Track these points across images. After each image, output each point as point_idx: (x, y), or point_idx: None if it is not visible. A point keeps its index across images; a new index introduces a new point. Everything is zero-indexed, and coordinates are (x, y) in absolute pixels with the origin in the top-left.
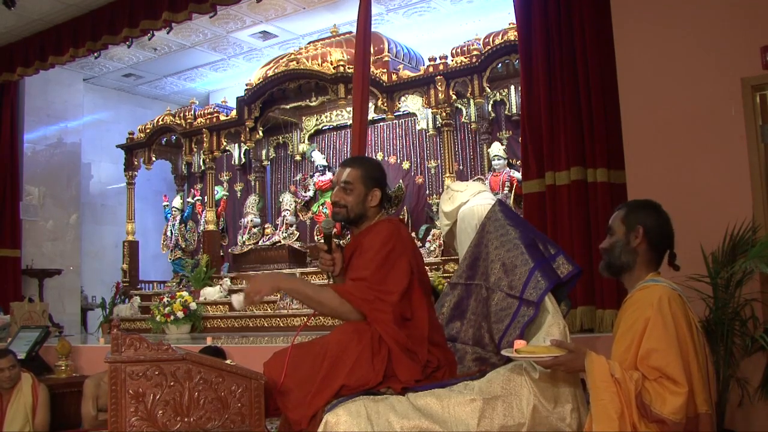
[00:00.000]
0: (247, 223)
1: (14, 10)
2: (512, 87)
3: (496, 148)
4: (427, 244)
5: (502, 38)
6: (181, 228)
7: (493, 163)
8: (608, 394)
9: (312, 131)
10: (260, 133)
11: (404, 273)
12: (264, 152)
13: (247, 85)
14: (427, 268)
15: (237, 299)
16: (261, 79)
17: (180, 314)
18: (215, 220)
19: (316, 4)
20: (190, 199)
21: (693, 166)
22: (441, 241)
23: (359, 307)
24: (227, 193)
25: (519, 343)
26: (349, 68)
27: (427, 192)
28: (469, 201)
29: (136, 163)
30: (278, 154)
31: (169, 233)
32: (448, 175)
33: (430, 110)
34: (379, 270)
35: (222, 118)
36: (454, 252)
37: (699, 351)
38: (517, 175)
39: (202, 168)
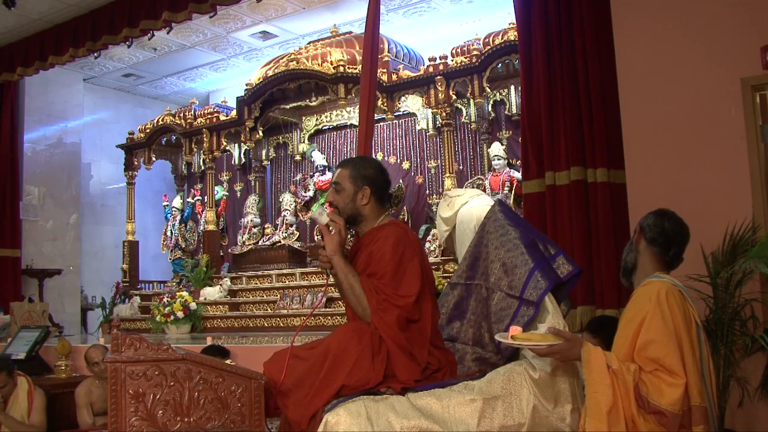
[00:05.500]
0: (247, 223)
1: (14, 10)
2: (512, 87)
3: (496, 148)
4: (427, 244)
5: (502, 38)
6: (181, 228)
7: (493, 163)
8: (602, 387)
9: (312, 131)
10: (260, 133)
11: (417, 276)
12: (264, 152)
13: (247, 85)
14: None
15: (320, 212)
16: (261, 79)
17: (180, 314)
18: (215, 220)
19: (316, 4)
20: (190, 199)
21: (693, 166)
22: (441, 242)
23: (368, 296)
24: (227, 193)
25: (515, 329)
26: (349, 68)
27: (427, 192)
28: (468, 202)
29: (136, 163)
30: (278, 154)
31: (169, 233)
32: (448, 175)
33: (430, 110)
34: (393, 277)
35: (222, 118)
36: (454, 256)
37: (695, 345)
38: (517, 175)
39: (202, 168)
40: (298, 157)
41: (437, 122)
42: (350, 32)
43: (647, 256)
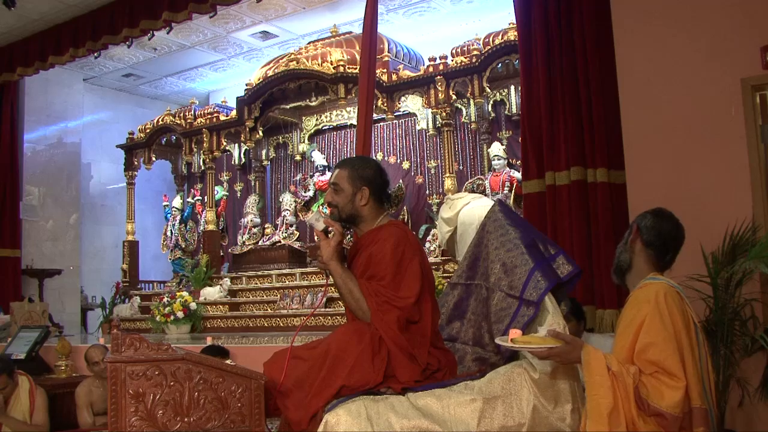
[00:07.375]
0: (247, 223)
1: (14, 10)
2: (512, 87)
3: (496, 148)
4: (427, 244)
5: (502, 38)
6: (181, 228)
7: (493, 163)
8: (603, 390)
9: (312, 131)
10: (260, 133)
11: (417, 277)
12: (264, 152)
13: (247, 85)
14: None
15: (316, 218)
16: (261, 79)
17: (180, 314)
18: (215, 220)
19: (316, 4)
20: (190, 199)
21: (693, 166)
22: (441, 243)
23: (367, 299)
24: (227, 193)
25: (514, 332)
26: (349, 68)
27: (427, 192)
28: (470, 203)
29: (136, 163)
30: (278, 154)
31: (169, 233)
32: (448, 175)
33: (430, 110)
34: (393, 279)
35: (222, 118)
36: (454, 257)
37: (694, 347)
38: (517, 175)
39: (202, 168)
40: (298, 157)
41: (437, 122)
42: (350, 32)
43: (642, 257)
